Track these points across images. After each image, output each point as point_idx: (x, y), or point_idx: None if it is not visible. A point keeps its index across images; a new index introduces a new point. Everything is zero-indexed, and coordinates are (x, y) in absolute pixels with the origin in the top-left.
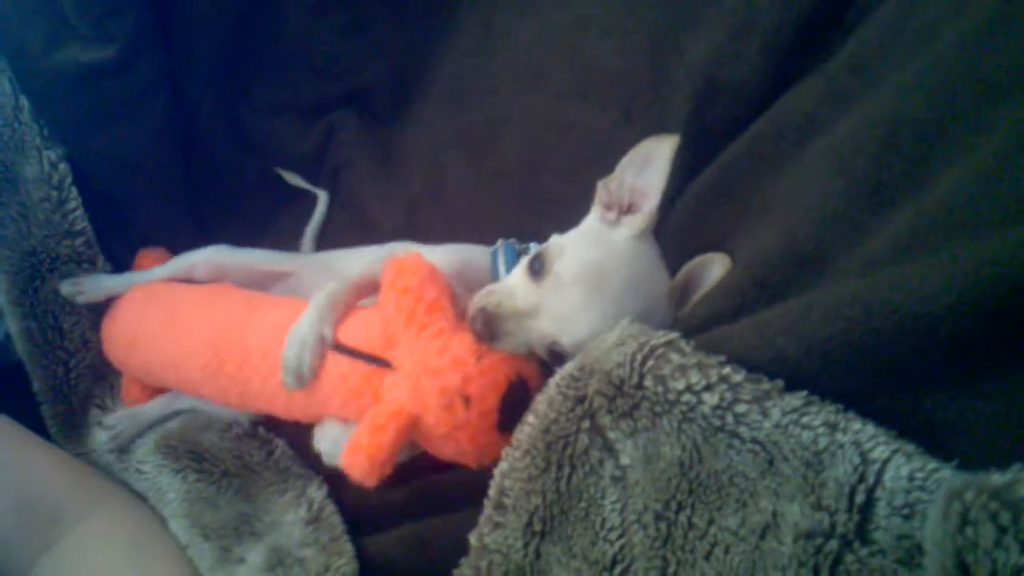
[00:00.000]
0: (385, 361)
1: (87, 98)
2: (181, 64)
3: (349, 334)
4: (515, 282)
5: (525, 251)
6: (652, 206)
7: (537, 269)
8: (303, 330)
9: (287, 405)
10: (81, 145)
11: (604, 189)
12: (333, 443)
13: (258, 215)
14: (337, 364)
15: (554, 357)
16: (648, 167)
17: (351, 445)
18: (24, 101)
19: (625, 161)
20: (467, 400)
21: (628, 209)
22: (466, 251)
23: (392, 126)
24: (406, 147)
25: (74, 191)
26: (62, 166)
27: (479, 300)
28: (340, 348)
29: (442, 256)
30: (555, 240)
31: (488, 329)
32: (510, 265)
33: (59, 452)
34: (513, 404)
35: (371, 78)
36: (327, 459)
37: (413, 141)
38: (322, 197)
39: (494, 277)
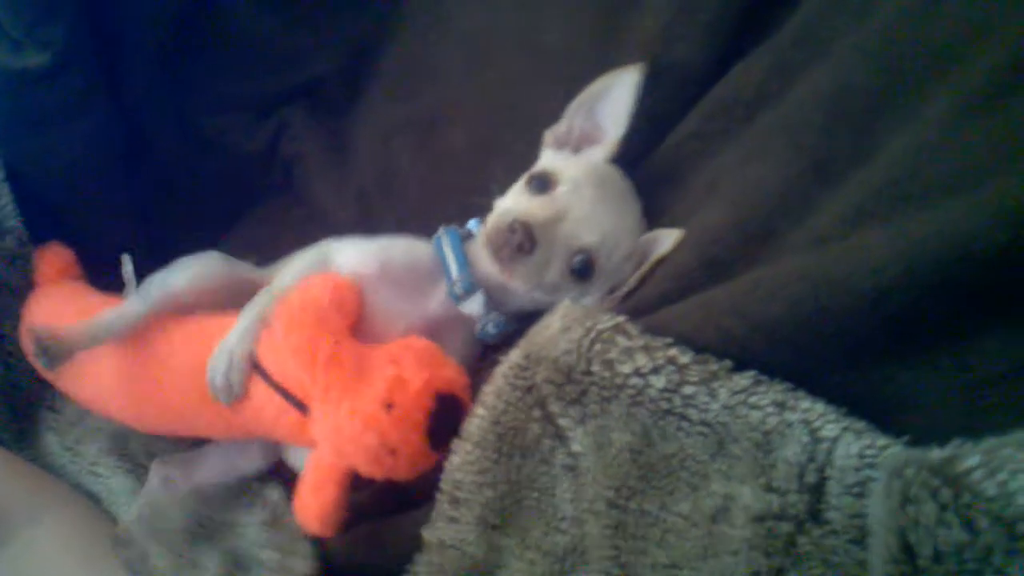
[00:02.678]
0: (302, 404)
1: (18, 104)
2: (121, 67)
3: (270, 365)
4: (518, 200)
5: (467, 234)
6: (617, 135)
7: (540, 185)
8: (230, 345)
9: (227, 432)
10: (12, 149)
11: (551, 135)
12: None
13: (216, 218)
14: (271, 397)
15: (577, 272)
16: (602, 103)
17: (299, 504)
18: None
19: (574, 105)
20: (393, 451)
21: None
22: (390, 247)
23: (343, 117)
24: (357, 137)
25: (5, 188)
26: None
27: (501, 218)
28: (261, 372)
29: (364, 257)
30: (542, 163)
31: (529, 239)
32: (456, 249)
33: (5, 454)
34: (441, 424)
35: (321, 69)
36: None
37: (364, 131)
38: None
39: (443, 264)
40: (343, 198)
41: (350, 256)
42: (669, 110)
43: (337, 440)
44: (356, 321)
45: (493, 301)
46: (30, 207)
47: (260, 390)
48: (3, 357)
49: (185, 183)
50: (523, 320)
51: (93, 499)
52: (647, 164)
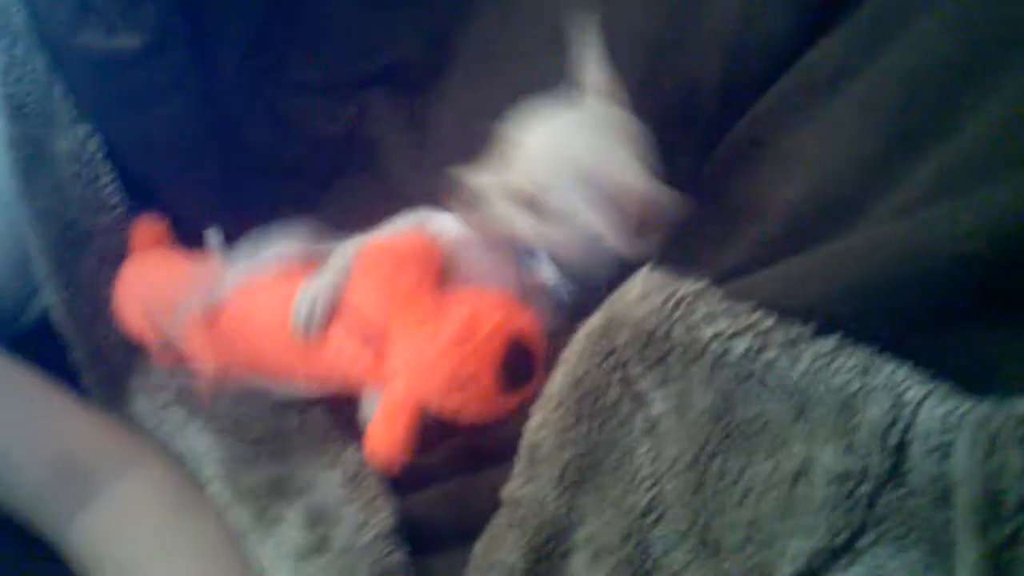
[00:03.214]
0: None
1: (111, 84)
2: (211, 48)
3: (350, 306)
4: None
5: None
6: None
7: None
8: (315, 284)
9: (306, 375)
10: (109, 128)
11: None
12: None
13: (299, 196)
14: (349, 339)
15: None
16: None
17: (370, 434)
18: (57, 78)
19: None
20: (462, 386)
21: None
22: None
23: (423, 98)
24: (437, 119)
25: (105, 166)
26: (92, 142)
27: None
28: (342, 313)
29: (458, 222)
30: None
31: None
32: None
33: (93, 409)
34: (512, 368)
35: (403, 52)
36: None
37: (443, 113)
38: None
39: None
40: (423, 178)
41: (445, 220)
42: (754, 83)
43: (411, 372)
44: (440, 276)
45: (560, 267)
46: (126, 181)
47: (339, 333)
48: (101, 327)
49: (268, 161)
50: (597, 292)
51: (181, 459)
52: (728, 138)
